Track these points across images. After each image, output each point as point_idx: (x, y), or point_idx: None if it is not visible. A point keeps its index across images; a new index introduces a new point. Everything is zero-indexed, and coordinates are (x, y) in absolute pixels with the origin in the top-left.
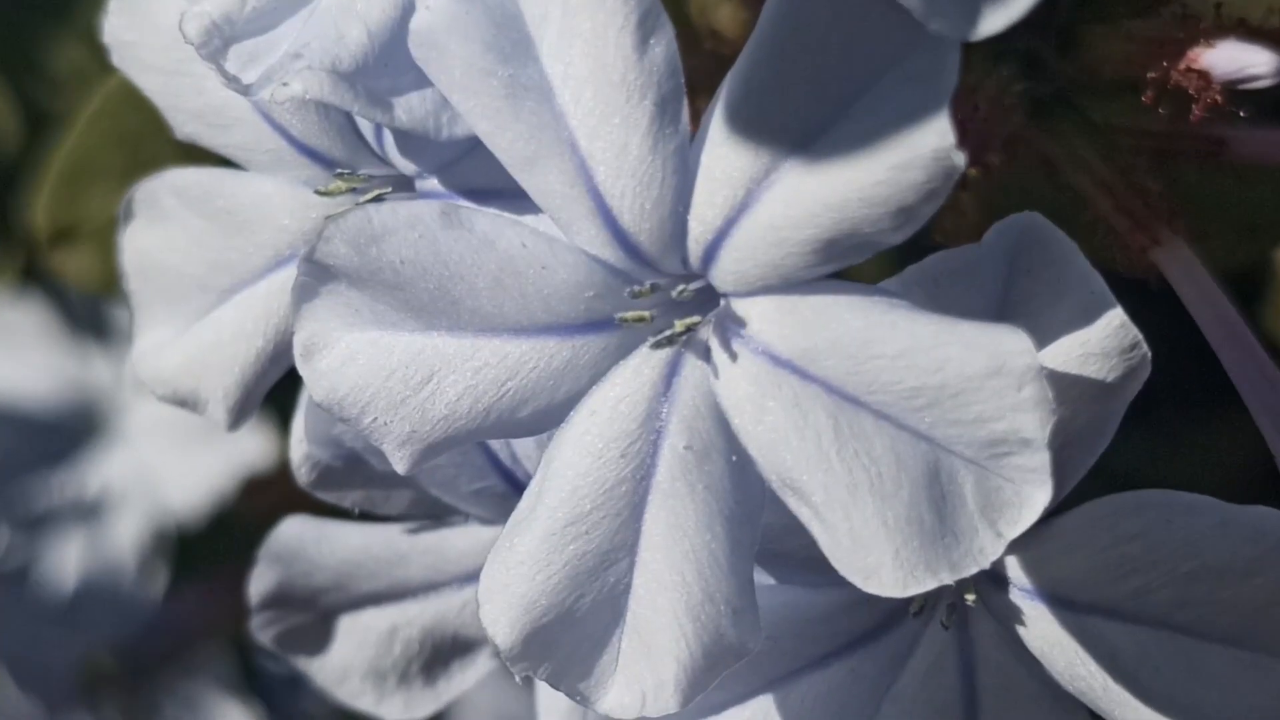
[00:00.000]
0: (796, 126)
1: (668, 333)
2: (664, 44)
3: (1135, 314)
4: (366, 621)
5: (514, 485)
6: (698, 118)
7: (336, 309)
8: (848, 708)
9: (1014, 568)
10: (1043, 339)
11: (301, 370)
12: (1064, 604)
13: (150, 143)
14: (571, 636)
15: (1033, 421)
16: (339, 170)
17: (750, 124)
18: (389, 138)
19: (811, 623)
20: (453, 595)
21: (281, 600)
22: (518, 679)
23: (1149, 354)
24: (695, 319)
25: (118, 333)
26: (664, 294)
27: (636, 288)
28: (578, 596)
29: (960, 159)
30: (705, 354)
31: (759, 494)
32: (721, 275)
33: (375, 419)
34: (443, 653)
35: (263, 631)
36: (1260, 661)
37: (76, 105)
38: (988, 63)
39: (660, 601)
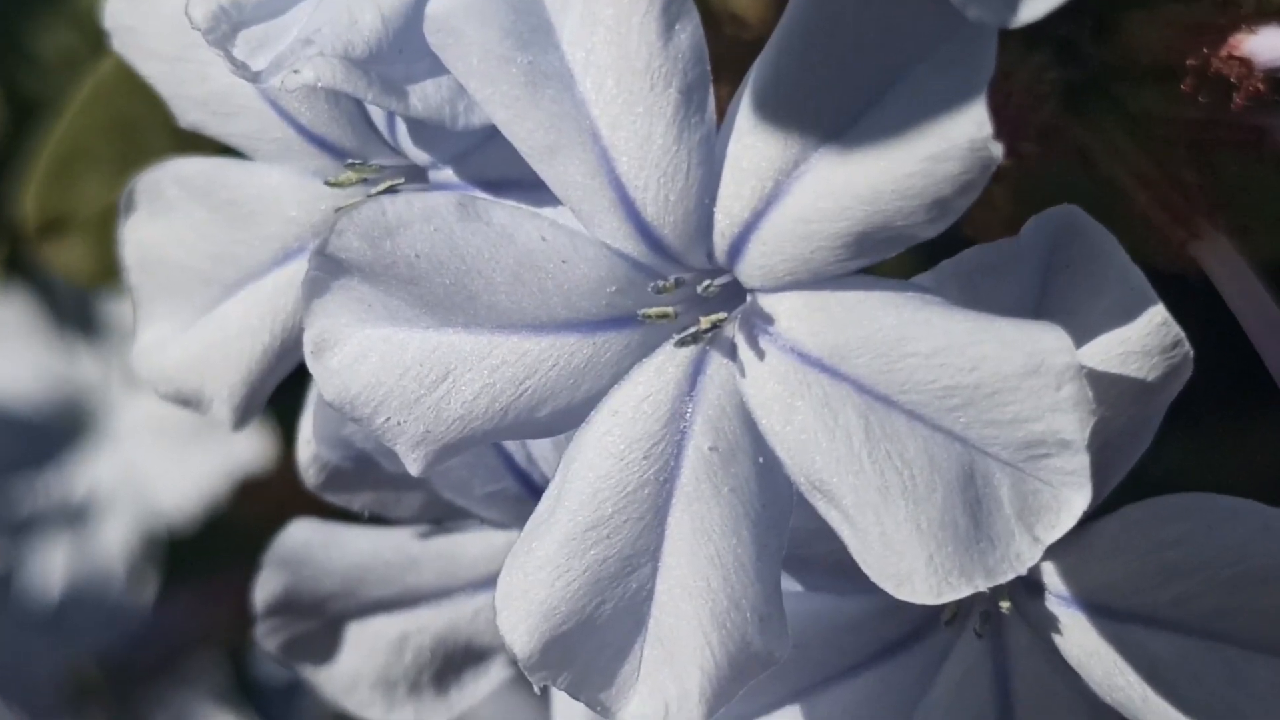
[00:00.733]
0: (827, 115)
1: (692, 330)
2: (689, 30)
3: (1172, 309)
4: (376, 629)
5: (530, 488)
6: (718, 105)
7: (349, 304)
8: (878, 718)
9: (1050, 574)
10: (1082, 336)
11: (312, 368)
12: (1102, 612)
13: (146, 129)
14: (592, 644)
15: (1072, 422)
16: (350, 160)
17: (779, 113)
18: (402, 127)
19: (841, 631)
20: (466, 602)
21: (288, 607)
22: (536, 688)
23: (1191, 352)
24: (721, 315)
25: (106, 328)
26: (689, 289)
27: (660, 283)
28: (599, 603)
29: (998, 150)
30: (731, 351)
31: (787, 497)
32: (748, 270)
33: (388, 419)
34: (455, 661)
35: (268, 639)
36: None
37: (66, 91)
38: (1021, 49)
39: (684, 608)
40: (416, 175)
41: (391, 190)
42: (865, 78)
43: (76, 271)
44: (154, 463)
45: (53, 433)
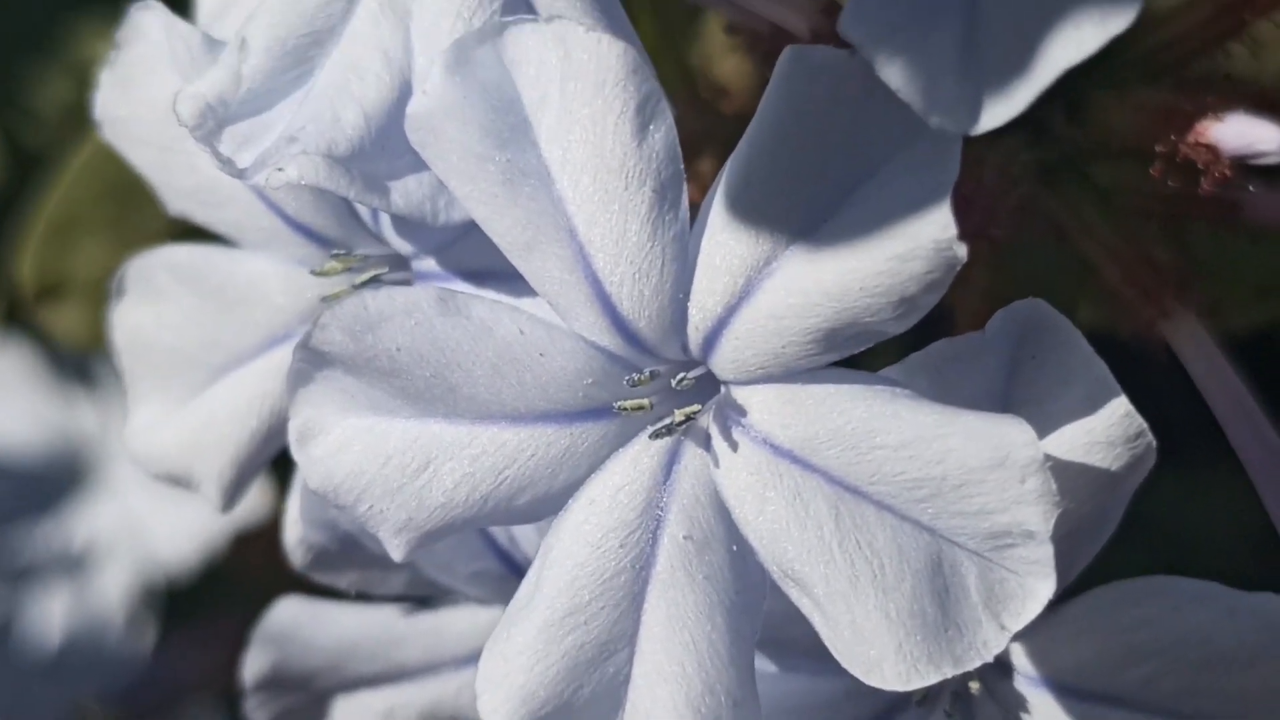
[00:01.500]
0: (797, 214)
1: (667, 421)
2: (663, 130)
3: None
4: (362, 704)
5: (511, 567)
6: (700, 179)
7: (332, 395)
8: None
9: (1019, 655)
10: (1048, 427)
11: (297, 456)
12: (1070, 692)
13: (141, 194)
14: None
15: (1036, 514)
16: (335, 250)
17: (751, 211)
18: (385, 218)
19: (814, 710)
20: (451, 677)
21: (276, 682)
22: None
23: (1154, 443)
24: (695, 407)
25: (105, 379)
26: (663, 381)
27: (636, 375)
28: (576, 688)
29: (962, 251)
30: (705, 442)
31: (760, 583)
32: (722, 363)
33: (371, 506)
34: None
35: (257, 713)
36: None
37: (65, 144)
38: (993, 133)
39: (660, 693)
40: (400, 264)
41: (375, 280)
42: (834, 178)
43: (73, 336)
44: (152, 512)
45: (52, 482)
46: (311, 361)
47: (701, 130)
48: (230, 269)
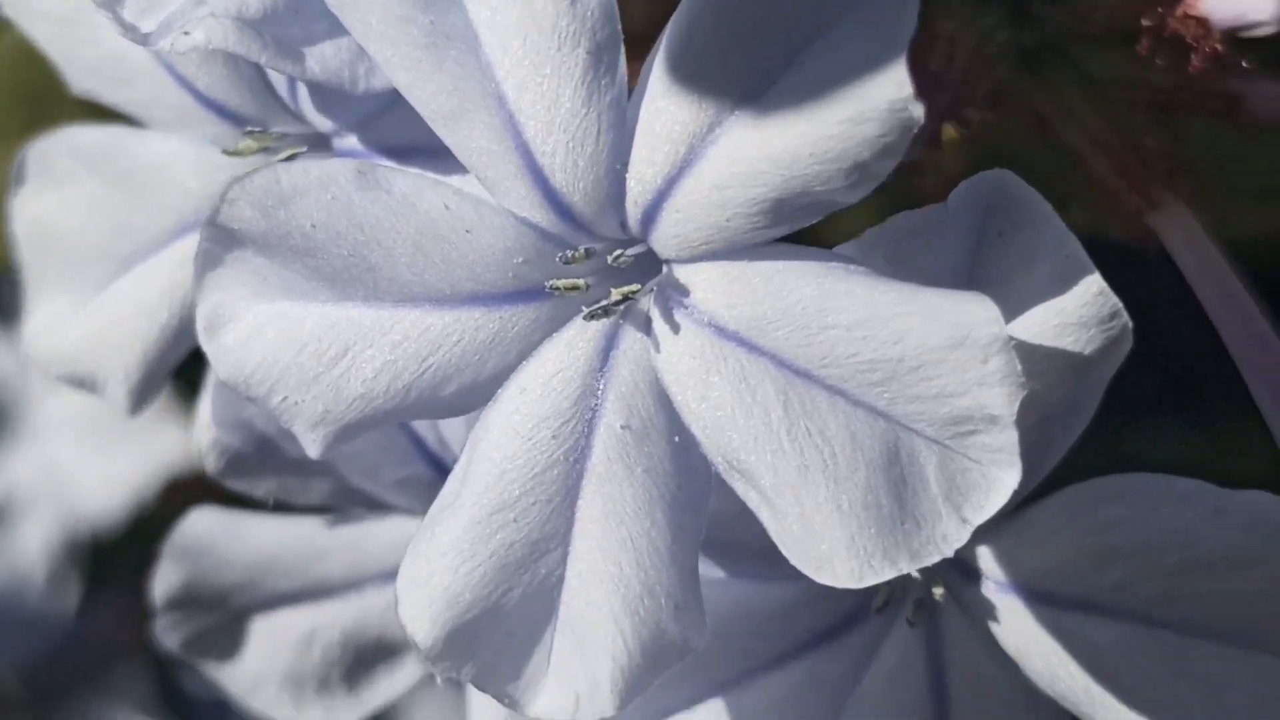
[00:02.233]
0: (742, 78)
1: (604, 302)
2: None
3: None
4: (282, 623)
5: (441, 472)
6: (637, 72)
7: (242, 278)
8: (807, 712)
9: (986, 559)
10: (1015, 308)
11: (205, 345)
12: (1041, 598)
13: (53, 100)
14: (499, 634)
15: (999, 396)
16: (249, 128)
17: (693, 75)
18: (304, 92)
19: (765, 619)
20: (376, 594)
21: (189, 600)
22: (439, 681)
23: (1130, 324)
24: (634, 287)
25: (24, 317)
26: (600, 260)
27: (570, 253)
28: (505, 590)
29: (919, 111)
30: (645, 325)
31: (704, 478)
32: (663, 239)
33: (285, 398)
34: (366, 657)
35: (168, 635)
36: (1251, 659)
37: None
38: (970, 10)
39: (595, 595)
40: (320, 143)
41: (292, 158)
42: (781, 38)
43: None
44: (77, 460)
45: None
46: (220, 241)
47: (630, 33)
48: (138, 151)
